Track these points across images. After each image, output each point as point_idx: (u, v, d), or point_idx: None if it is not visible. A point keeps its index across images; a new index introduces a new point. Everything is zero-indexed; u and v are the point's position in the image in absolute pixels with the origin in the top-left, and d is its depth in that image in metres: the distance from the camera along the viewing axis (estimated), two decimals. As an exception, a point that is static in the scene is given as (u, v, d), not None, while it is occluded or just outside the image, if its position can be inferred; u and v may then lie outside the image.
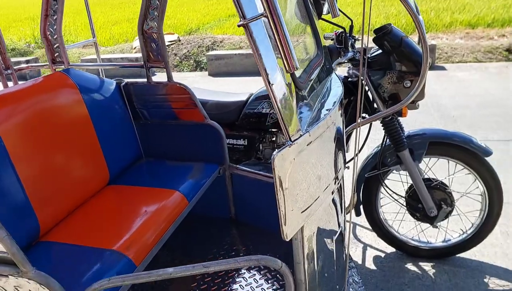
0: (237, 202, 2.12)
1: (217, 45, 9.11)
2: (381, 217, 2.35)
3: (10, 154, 1.40)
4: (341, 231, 1.36)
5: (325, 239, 1.20)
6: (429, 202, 2.16)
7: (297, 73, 1.04)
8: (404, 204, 2.29)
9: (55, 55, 2.05)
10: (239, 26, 0.84)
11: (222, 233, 2.03)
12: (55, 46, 2.04)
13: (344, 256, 1.43)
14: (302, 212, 1.01)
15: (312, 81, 1.15)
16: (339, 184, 1.29)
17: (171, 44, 9.39)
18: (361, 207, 2.34)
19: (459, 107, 4.54)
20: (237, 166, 2.05)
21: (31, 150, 1.50)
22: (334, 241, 1.25)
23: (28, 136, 1.50)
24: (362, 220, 2.64)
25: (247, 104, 2.36)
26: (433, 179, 2.21)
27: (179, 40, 9.55)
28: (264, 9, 0.81)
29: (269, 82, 0.88)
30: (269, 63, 0.88)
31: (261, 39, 0.86)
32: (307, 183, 1.02)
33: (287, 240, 0.98)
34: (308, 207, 1.04)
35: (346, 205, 2.08)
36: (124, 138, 2.01)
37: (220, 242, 1.95)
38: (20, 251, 1.02)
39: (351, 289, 1.68)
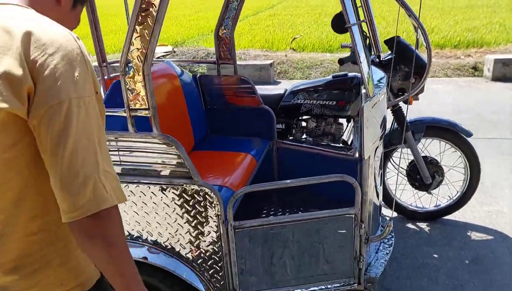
0: (280, 170, 2.71)
1: (211, 57, 9.71)
2: (388, 187, 3.01)
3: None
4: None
5: (375, 171, 1.83)
6: (426, 173, 2.83)
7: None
8: (405, 175, 2.95)
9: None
10: (346, 27, 1.47)
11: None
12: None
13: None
14: (371, 144, 1.64)
15: (371, 67, 1.80)
16: (381, 140, 1.93)
17: (166, 55, 9.94)
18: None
19: (436, 113, 5.32)
20: (283, 141, 2.66)
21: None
22: (378, 175, 1.89)
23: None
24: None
25: (284, 97, 2.98)
26: (428, 156, 2.89)
27: (174, 51, 10.10)
28: (365, 16, 1.44)
29: (360, 62, 1.51)
30: (361, 50, 1.51)
31: (357, 36, 1.49)
32: (374, 127, 1.65)
33: (365, 158, 1.60)
34: (374, 142, 1.67)
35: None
36: (198, 117, 2.58)
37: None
38: (193, 166, 1.59)
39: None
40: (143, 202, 1.68)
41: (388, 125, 2.85)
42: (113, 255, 0.86)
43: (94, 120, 0.84)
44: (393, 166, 2.96)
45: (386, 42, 2.76)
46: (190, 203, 1.63)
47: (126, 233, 1.76)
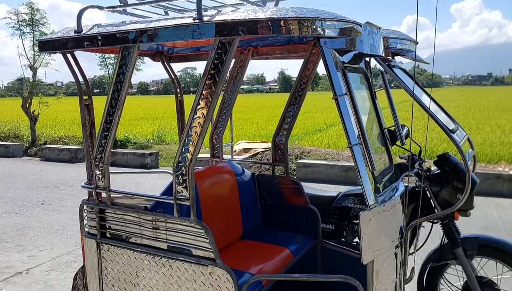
0: (324, 269, 2.84)
1: (305, 155, 10.22)
2: (440, 304, 2.89)
3: (201, 204, 2.40)
4: (396, 282, 2.07)
5: (386, 277, 1.93)
6: (480, 294, 2.69)
7: (376, 174, 1.90)
8: (460, 295, 2.82)
9: (215, 152, 3.17)
10: (332, 99, 1.74)
11: (312, 288, 2.75)
12: (216, 146, 3.16)
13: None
14: (373, 251, 1.80)
15: (384, 181, 2.01)
16: (397, 249, 2.05)
17: (265, 151, 10.79)
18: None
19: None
20: (327, 241, 2.84)
21: (210, 204, 2.50)
22: (392, 283, 1.97)
23: (210, 195, 2.53)
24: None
25: (336, 199, 3.21)
26: (484, 276, 2.75)
27: (272, 148, 10.92)
28: (346, 90, 1.73)
29: (361, 176, 1.76)
30: (361, 167, 1.77)
31: (358, 156, 1.77)
32: (377, 235, 1.82)
33: (364, 263, 1.75)
34: (376, 250, 1.82)
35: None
36: (251, 210, 2.95)
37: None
38: (217, 251, 1.92)
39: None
40: (177, 276, 2.04)
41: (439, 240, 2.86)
42: None
43: None
44: (446, 283, 2.87)
45: (437, 157, 2.89)
46: (213, 282, 1.94)
47: (163, 301, 2.11)
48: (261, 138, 13.81)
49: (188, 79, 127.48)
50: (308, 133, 15.81)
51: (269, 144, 11.53)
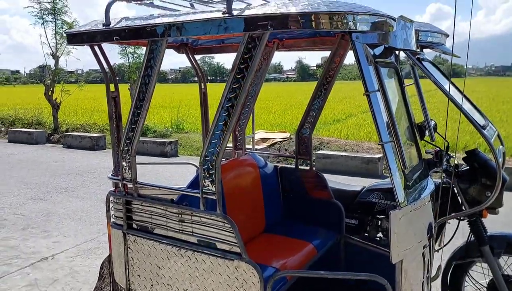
0: (348, 265, 2.83)
1: (324, 146, 10.15)
2: (465, 302, 2.84)
3: (225, 197, 2.41)
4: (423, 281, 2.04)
5: (414, 276, 1.90)
6: (506, 293, 2.63)
7: (406, 171, 1.86)
8: (486, 293, 2.77)
9: (237, 144, 3.16)
10: (364, 95, 1.70)
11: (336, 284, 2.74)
12: (238, 138, 3.16)
13: None
14: (403, 250, 1.77)
15: (414, 179, 1.97)
16: (426, 248, 2.02)
17: (283, 141, 10.76)
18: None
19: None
20: (351, 236, 2.82)
21: (233, 196, 2.50)
22: (420, 282, 1.94)
23: (234, 188, 2.53)
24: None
25: (360, 194, 3.17)
26: (511, 275, 2.70)
27: (291, 138, 10.87)
28: (378, 86, 1.69)
29: (392, 174, 1.73)
30: (392, 164, 1.73)
31: (390, 154, 1.73)
32: (407, 234, 1.79)
33: (393, 262, 1.73)
34: (406, 250, 1.79)
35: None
36: (273, 203, 2.94)
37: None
38: (243, 246, 1.93)
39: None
40: (203, 269, 2.06)
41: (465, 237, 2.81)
42: None
43: None
44: (471, 280, 2.82)
45: (466, 153, 2.82)
46: (238, 276, 1.95)
47: (189, 293, 2.13)
48: (279, 127, 13.78)
49: (206, 68, 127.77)
50: (327, 123, 15.70)
51: (287, 134, 11.55)
